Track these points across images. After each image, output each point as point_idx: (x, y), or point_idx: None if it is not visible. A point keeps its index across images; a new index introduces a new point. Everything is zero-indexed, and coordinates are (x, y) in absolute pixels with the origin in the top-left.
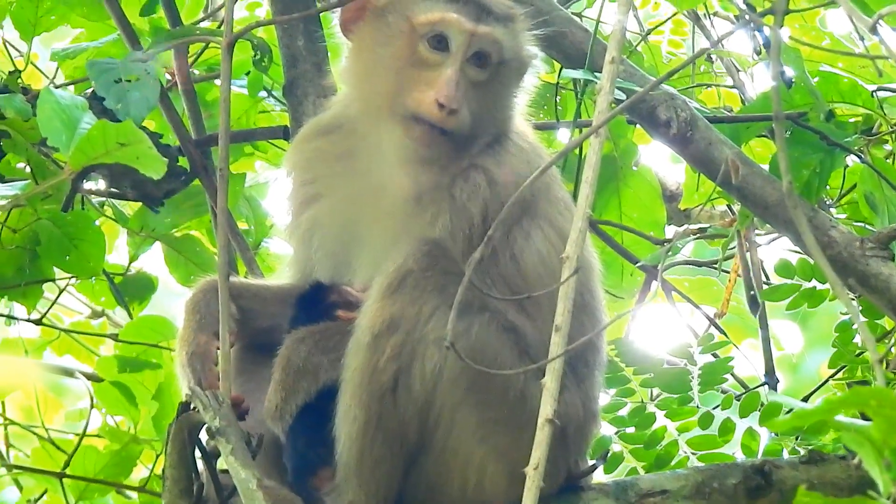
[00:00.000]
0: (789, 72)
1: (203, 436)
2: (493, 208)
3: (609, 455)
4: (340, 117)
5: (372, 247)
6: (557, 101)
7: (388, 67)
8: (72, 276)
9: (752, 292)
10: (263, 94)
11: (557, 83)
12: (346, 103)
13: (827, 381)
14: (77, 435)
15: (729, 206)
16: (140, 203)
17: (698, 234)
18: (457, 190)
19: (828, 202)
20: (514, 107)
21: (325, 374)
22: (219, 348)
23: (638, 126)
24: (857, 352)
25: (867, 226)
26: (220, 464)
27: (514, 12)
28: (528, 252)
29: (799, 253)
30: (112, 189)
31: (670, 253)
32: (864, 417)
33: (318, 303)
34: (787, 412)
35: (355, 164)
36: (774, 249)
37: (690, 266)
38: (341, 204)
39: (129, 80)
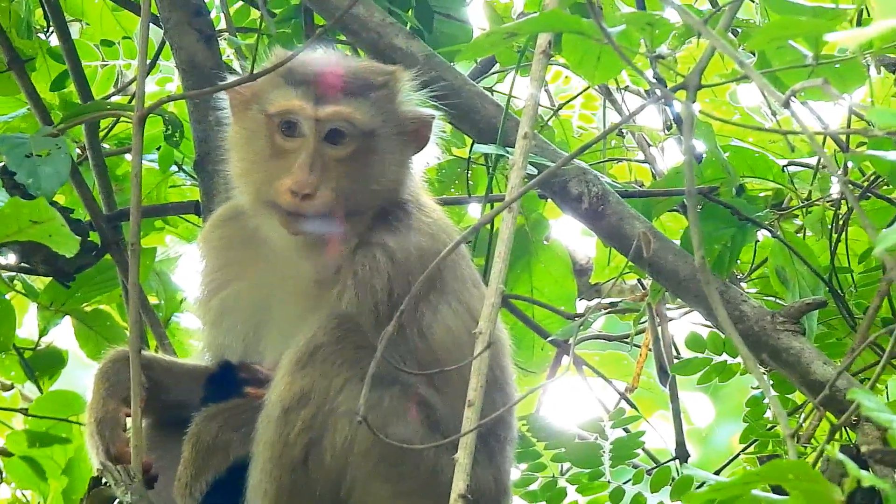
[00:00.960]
0: (700, 146)
1: None
2: (398, 283)
3: None
4: (240, 205)
5: (281, 328)
6: (469, 175)
7: (256, 159)
8: None
9: (661, 365)
10: (174, 168)
11: (469, 158)
12: (238, 191)
13: (738, 454)
14: None
15: (640, 281)
16: (50, 277)
17: (609, 309)
18: (358, 266)
19: (739, 276)
20: (404, 175)
21: (236, 450)
22: (128, 415)
23: (549, 200)
24: (769, 426)
25: (778, 300)
26: None
27: (379, 80)
28: (436, 327)
29: (710, 327)
30: (22, 264)
31: (581, 327)
32: (777, 492)
33: (227, 382)
34: (700, 486)
35: (257, 250)
36: (685, 323)
37: (601, 340)
38: (249, 289)
39: (40, 155)
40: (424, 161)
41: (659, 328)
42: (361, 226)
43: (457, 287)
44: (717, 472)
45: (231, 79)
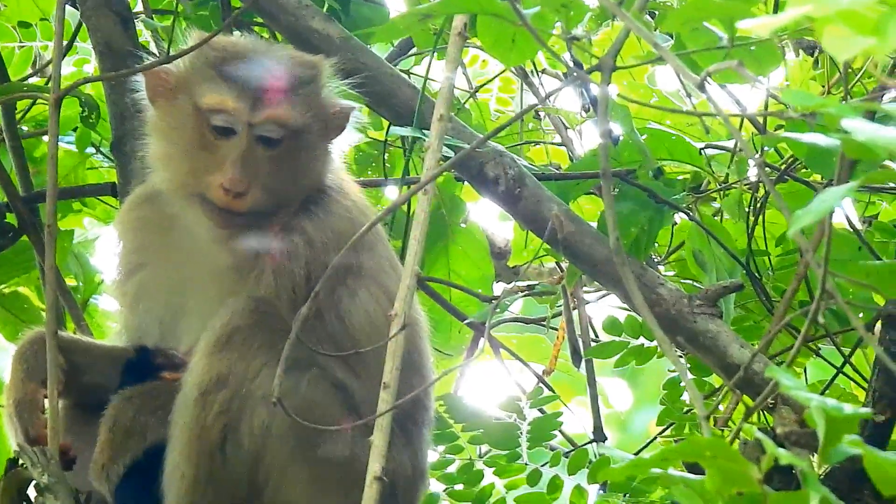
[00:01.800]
0: (617, 129)
1: (32, 492)
2: (315, 267)
3: None
4: (157, 187)
5: (198, 312)
6: (385, 158)
7: (181, 149)
8: None
9: (575, 349)
10: (91, 150)
11: (385, 140)
12: (156, 175)
13: (655, 437)
14: None
15: (558, 263)
16: None
17: (526, 292)
18: (276, 252)
19: (656, 259)
20: (326, 163)
21: (153, 433)
22: (46, 397)
23: (466, 183)
24: (686, 409)
25: (696, 283)
26: None
27: (306, 75)
28: (354, 311)
29: (627, 310)
30: None
31: (498, 310)
32: (693, 472)
33: (144, 367)
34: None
35: (174, 234)
36: (603, 307)
37: (519, 323)
38: (165, 272)
39: None
40: (343, 145)
41: (575, 311)
42: (283, 214)
43: (375, 269)
44: (635, 455)
45: (148, 61)
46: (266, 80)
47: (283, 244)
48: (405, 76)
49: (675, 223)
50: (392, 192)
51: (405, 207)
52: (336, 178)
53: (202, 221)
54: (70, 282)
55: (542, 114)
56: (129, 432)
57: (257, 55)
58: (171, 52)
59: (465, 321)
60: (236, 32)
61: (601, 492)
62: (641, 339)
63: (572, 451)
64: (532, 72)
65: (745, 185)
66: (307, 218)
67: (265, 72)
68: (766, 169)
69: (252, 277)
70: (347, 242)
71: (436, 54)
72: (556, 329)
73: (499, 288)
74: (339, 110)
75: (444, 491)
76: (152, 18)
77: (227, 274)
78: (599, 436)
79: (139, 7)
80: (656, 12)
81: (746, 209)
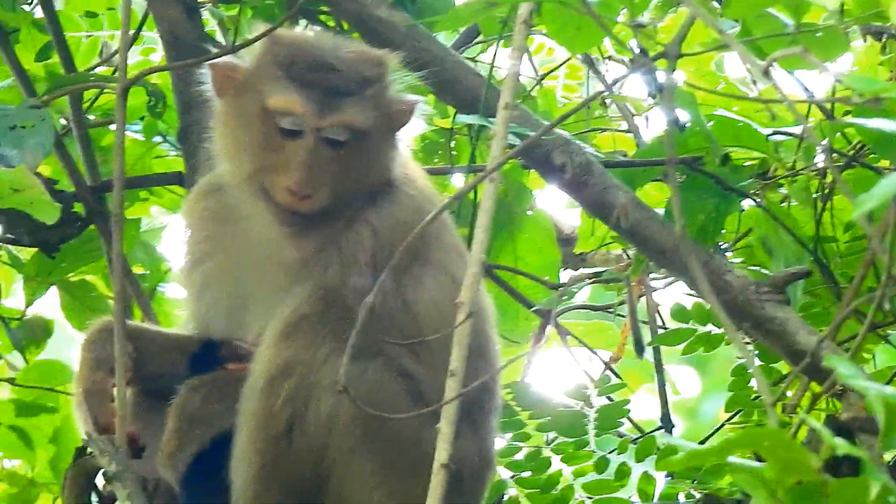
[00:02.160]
0: (683, 116)
1: (100, 480)
2: (381, 256)
3: (505, 499)
4: (222, 178)
5: (264, 302)
6: (452, 146)
7: (247, 146)
8: None
9: (637, 338)
10: (158, 139)
11: (452, 128)
12: (221, 167)
13: (723, 425)
14: None
15: (624, 251)
16: (35, 248)
17: (593, 279)
18: (343, 242)
19: (723, 246)
20: (392, 156)
21: (220, 422)
22: (115, 386)
23: (533, 171)
24: (754, 396)
25: (763, 270)
26: None
27: (374, 73)
28: (420, 299)
29: (695, 297)
30: (7, 235)
31: (565, 297)
32: (759, 460)
33: (209, 360)
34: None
35: (239, 225)
36: (671, 294)
37: (586, 310)
38: (231, 262)
39: (24, 127)
40: (409, 136)
41: (641, 299)
42: (349, 208)
43: (441, 258)
44: (702, 443)
45: (214, 52)
46: (334, 82)
47: (348, 234)
48: (471, 64)
49: (743, 210)
50: (458, 180)
51: (471, 195)
52: (402, 167)
53: (266, 215)
54: (137, 270)
55: (608, 101)
56: (196, 421)
57: (325, 54)
58: (237, 42)
59: (532, 308)
60: (302, 21)
61: (669, 479)
62: (709, 326)
63: (640, 437)
64: (598, 59)
65: (813, 171)
66: (372, 208)
67: (333, 73)
68: (834, 155)
69: (318, 267)
70: (413, 231)
71: (501, 42)
72: (623, 316)
73: (565, 275)
74: (405, 105)
75: (512, 478)
76: (218, 7)
77: (293, 264)
78: (667, 423)
79: None
80: None
81: (814, 195)
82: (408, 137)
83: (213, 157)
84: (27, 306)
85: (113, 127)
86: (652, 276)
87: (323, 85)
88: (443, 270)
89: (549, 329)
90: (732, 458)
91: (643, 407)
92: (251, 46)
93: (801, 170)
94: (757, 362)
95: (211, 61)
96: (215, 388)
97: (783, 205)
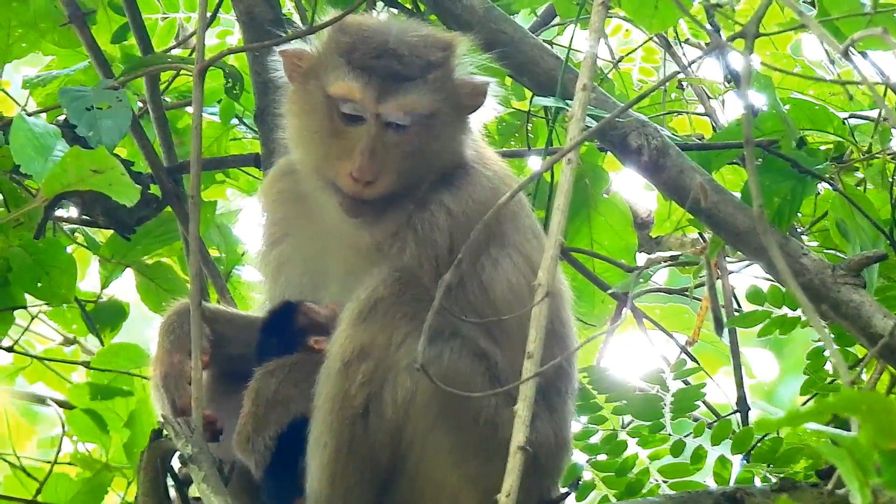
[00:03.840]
0: (760, 99)
1: (175, 463)
2: (458, 237)
3: (580, 482)
4: (294, 162)
5: (339, 284)
6: (528, 128)
7: (312, 134)
8: (43, 304)
9: (717, 318)
10: (235, 121)
11: (529, 111)
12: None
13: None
14: (49, 462)
15: (700, 234)
16: (111, 230)
17: (669, 262)
18: (418, 223)
19: (799, 229)
20: (462, 139)
21: (296, 405)
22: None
23: (609, 153)
24: (829, 379)
25: (838, 253)
26: (193, 491)
27: (438, 57)
28: (496, 280)
29: (770, 280)
30: (84, 217)
31: (641, 280)
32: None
33: (285, 325)
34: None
35: (313, 208)
36: (745, 277)
37: (662, 293)
38: (306, 244)
39: (101, 108)
40: (483, 118)
41: (718, 281)
42: (420, 191)
43: (517, 239)
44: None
45: (290, 33)
46: (394, 67)
47: (424, 216)
48: (547, 46)
49: (818, 193)
50: (535, 163)
51: (548, 177)
52: (475, 149)
53: (333, 205)
54: (213, 252)
55: (684, 84)
56: (273, 405)
57: (388, 40)
58: (314, 24)
59: (608, 291)
60: (380, 4)
61: (745, 462)
62: (784, 309)
63: (716, 421)
64: (675, 42)
65: (889, 154)
66: (446, 190)
67: (393, 59)
68: None
69: (393, 250)
70: (489, 212)
71: (578, 24)
72: (700, 299)
73: (641, 258)
74: (473, 88)
75: (588, 461)
76: None
77: (367, 247)
78: (743, 406)
79: None
80: None
81: (890, 179)
82: (480, 120)
83: (286, 143)
84: (103, 288)
85: (189, 109)
86: (727, 258)
87: (383, 70)
88: (519, 251)
89: (626, 312)
90: (818, 427)
91: (719, 390)
92: (320, 33)
93: (877, 153)
94: (833, 345)
95: (280, 47)
96: (291, 371)
97: (859, 188)
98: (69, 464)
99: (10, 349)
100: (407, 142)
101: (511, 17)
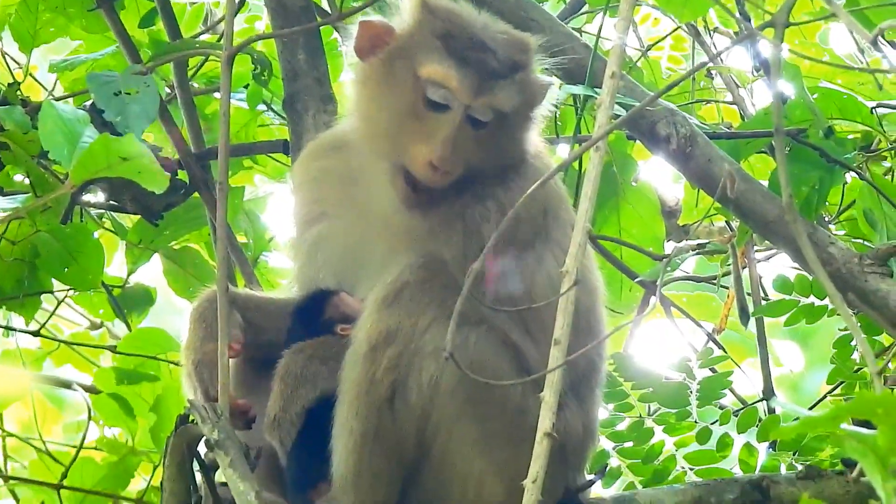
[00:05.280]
0: (788, 88)
1: (202, 448)
2: (506, 231)
3: (607, 469)
4: (345, 138)
5: (378, 267)
6: (557, 116)
7: (390, 113)
8: (70, 288)
9: (743, 307)
10: (263, 107)
11: (557, 99)
12: (351, 127)
13: (825, 396)
14: (75, 447)
15: (728, 222)
16: (139, 216)
17: (697, 250)
18: (468, 215)
19: (827, 219)
20: (527, 139)
21: (324, 382)
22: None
23: (638, 142)
24: (856, 368)
25: (866, 242)
26: (219, 476)
27: (523, 59)
28: (538, 276)
29: (797, 269)
30: (111, 202)
31: (669, 268)
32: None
33: (316, 314)
34: (795, 419)
35: (360, 187)
36: (773, 266)
37: (689, 282)
38: (347, 224)
39: (129, 93)
40: (541, 115)
41: (745, 270)
42: (479, 184)
43: (559, 235)
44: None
45: (326, 18)
46: (490, 63)
47: (476, 208)
48: (577, 34)
49: (846, 182)
50: (563, 151)
51: (576, 165)
52: (532, 144)
53: (387, 189)
54: (240, 239)
55: (713, 72)
56: (300, 381)
57: (479, 33)
58: (343, 11)
59: (636, 279)
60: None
61: (770, 450)
62: (812, 298)
63: (742, 409)
64: (704, 30)
65: None
66: (501, 184)
67: (489, 54)
68: None
69: (441, 238)
70: (540, 206)
71: (607, 12)
72: (727, 288)
73: (669, 247)
74: (542, 88)
75: (614, 448)
76: None
77: (414, 233)
78: (769, 395)
79: None
80: None
81: None
82: (540, 117)
83: (333, 117)
84: (130, 274)
85: (217, 95)
86: (755, 247)
87: (480, 64)
88: (561, 248)
89: (653, 300)
90: (842, 426)
91: (745, 379)
92: (401, 11)
93: None
94: (861, 334)
95: (362, 18)
96: (319, 348)
97: (887, 177)
98: (95, 448)
99: (36, 333)
100: (482, 137)
101: (540, 4)
